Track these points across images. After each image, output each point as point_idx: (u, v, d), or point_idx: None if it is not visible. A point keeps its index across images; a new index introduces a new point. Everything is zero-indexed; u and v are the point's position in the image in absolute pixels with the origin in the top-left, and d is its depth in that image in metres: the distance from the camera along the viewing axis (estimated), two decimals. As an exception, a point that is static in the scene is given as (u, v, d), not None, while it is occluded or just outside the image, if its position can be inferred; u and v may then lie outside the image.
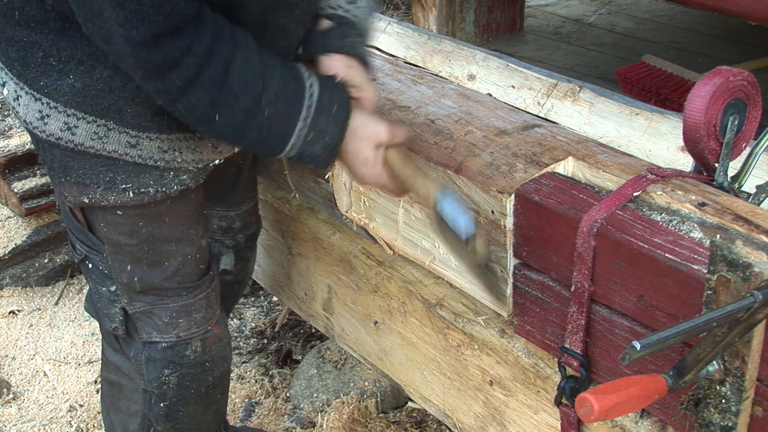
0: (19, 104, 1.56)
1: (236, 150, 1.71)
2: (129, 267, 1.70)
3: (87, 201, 1.60)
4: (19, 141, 2.82)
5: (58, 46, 1.48)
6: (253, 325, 2.91)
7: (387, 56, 2.19)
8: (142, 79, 1.38)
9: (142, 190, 1.59)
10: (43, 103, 1.52)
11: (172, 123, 1.54)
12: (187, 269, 1.73)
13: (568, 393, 1.42)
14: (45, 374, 2.65)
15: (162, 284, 1.72)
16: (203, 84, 1.36)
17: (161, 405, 1.83)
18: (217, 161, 1.67)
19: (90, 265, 1.74)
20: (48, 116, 1.53)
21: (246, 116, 1.40)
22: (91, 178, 1.58)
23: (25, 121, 1.57)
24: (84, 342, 2.76)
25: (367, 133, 1.48)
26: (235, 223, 2.02)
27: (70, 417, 2.46)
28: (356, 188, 1.80)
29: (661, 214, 1.29)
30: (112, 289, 1.74)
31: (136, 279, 1.71)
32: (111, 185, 1.58)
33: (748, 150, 1.39)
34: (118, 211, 1.63)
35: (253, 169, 2.03)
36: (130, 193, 1.59)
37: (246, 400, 2.56)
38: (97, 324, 2.16)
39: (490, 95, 1.98)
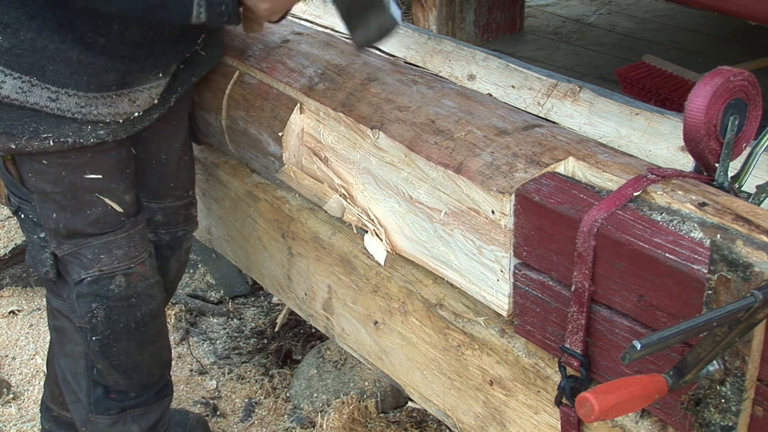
0: None
1: (155, 101, 1.86)
2: (54, 214, 1.87)
3: (14, 147, 1.77)
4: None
5: None
6: (253, 325, 2.91)
7: (387, 56, 2.18)
8: None
9: (62, 139, 1.76)
10: None
11: (92, 84, 1.73)
12: (108, 218, 1.89)
13: (568, 393, 1.42)
14: (45, 374, 2.65)
15: (85, 230, 1.88)
16: None
17: (94, 339, 1.95)
18: (136, 114, 1.82)
19: (22, 215, 1.92)
20: None
21: None
22: (17, 128, 1.75)
23: None
24: (84, 342, 2.76)
25: None
26: (156, 216, 2.10)
27: (70, 417, 2.46)
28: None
29: (661, 214, 1.29)
30: (42, 235, 1.91)
31: (61, 225, 1.87)
32: (34, 135, 1.75)
33: (748, 150, 1.39)
34: (43, 160, 1.80)
35: (183, 169, 2.12)
36: (51, 142, 1.76)
37: (246, 400, 2.56)
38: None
39: (490, 95, 1.98)
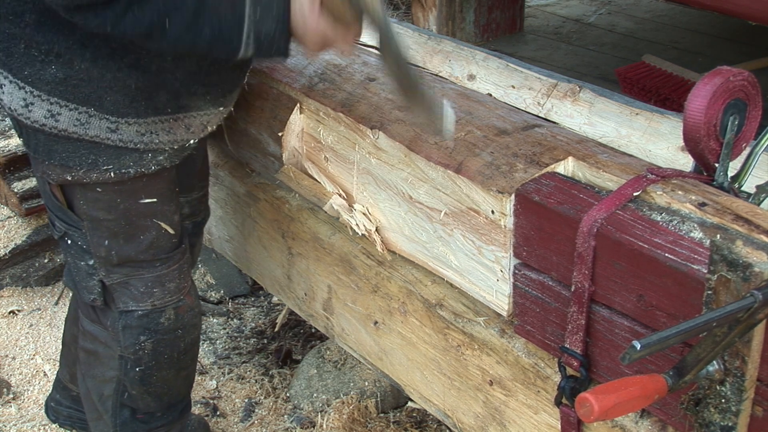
0: (2, 92, 1.66)
1: (208, 129, 1.81)
2: (107, 242, 1.81)
3: (70, 179, 1.71)
4: (19, 141, 2.81)
5: (36, 40, 1.58)
6: (253, 325, 2.91)
7: (387, 56, 2.18)
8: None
9: (123, 170, 1.71)
10: (27, 92, 1.62)
11: (149, 108, 1.66)
12: (161, 243, 1.85)
13: (568, 393, 1.42)
14: (45, 374, 2.65)
15: (137, 257, 1.84)
16: None
17: (137, 370, 1.94)
18: (192, 141, 1.78)
19: (69, 241, 1.85)
20: (32, 104, 1.63)
21: (195, 14, 1.42)
22: (74, 160, 1.68)
23: (9, 108, 1.67)
24: (84, 342, 2.76)
25: None
26: (184, 209, 2.10)
27: (70, 417, 2.46)
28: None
29: (661, 214, 1.29)
30: (90, 263, 1.85)
31: (113, 252, 1.82)
32: (93, 167, 1.69)
33: (748, 150, 1.39)
34: (98, 188, 1.74)
35: (205, 161, 2.16)
36: (111, 174, 1.70)
37: (246, 400, 2.56)
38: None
39: (490, 95, 1.98)
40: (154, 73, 1.62)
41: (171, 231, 1.85)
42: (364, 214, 1.81)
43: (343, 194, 1.87)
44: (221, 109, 1.82)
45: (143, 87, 1.64)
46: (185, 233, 1.96)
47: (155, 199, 1.80)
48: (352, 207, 1.84)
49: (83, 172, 1.69)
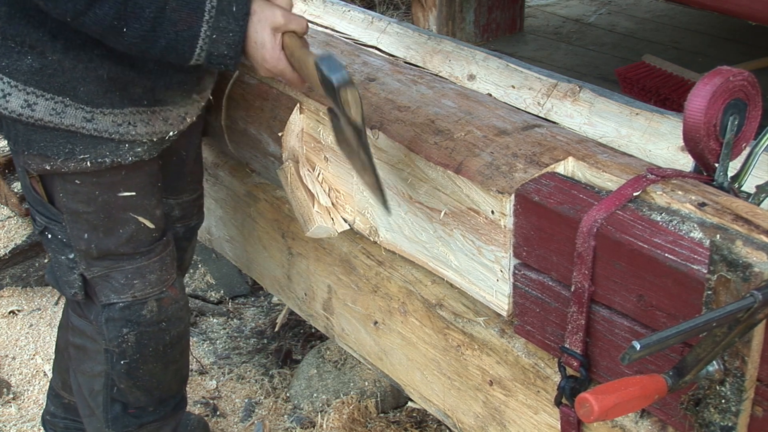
0: None
1: (188, 120, 1.82)
2: (86, 235, 1.82)
3: (48, 168, 1.73)
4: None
5: (10, 32, 1.61)
6: (253, 325, 2.91)
7: (387, 56, 2.18)
8: None
9: (99, 160, 1.72)
10: (4, 83, 1.65)
11: (124, 99, 1.69)
12: (141, 236, 1.85)
13: (568, 393, 1.42)
14: (45, 374, 2.65)
15: (117, 250, 1.84)
16: None
17: (122, 363, 1.94)
18: (171, 133, 1.79)
19: (49, 236, 1.87)
20: (9, 94, 1.65)
21: (153, 25, 1.50)
22: (52, 150, 1.70)
23: None
24: (84, 342, 2.76)
25: (264, 16, 1.55)
26: (173, 211, 2.11)
27: (70, 417, 2.46)
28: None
29: (661, 214, 1.29)
30: (71, 256, 1.86)
31: (93, 246, 1.83)
32: (70, 156, 1.71)
33: (748, 150, 1.39)
34: (77, 180, 1.75)
35: (197, 163, 2.14)
36: (88, 163, 1.72)
37: (246, 400, 2.56)
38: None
39: (490, 95, 1.98)
40: (127, 65, 1.65)
41: (150, 225, 1.86)
42: (361, 213, 1.81)
43: (335, 203, 1.85)
44: (195, 96, 1.82)
45: (116, 78, 1.66)
46: (169, 227, 1.96)
47: (134, 193, 1.81)
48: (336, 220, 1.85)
49: (61, 161, 1.71)
